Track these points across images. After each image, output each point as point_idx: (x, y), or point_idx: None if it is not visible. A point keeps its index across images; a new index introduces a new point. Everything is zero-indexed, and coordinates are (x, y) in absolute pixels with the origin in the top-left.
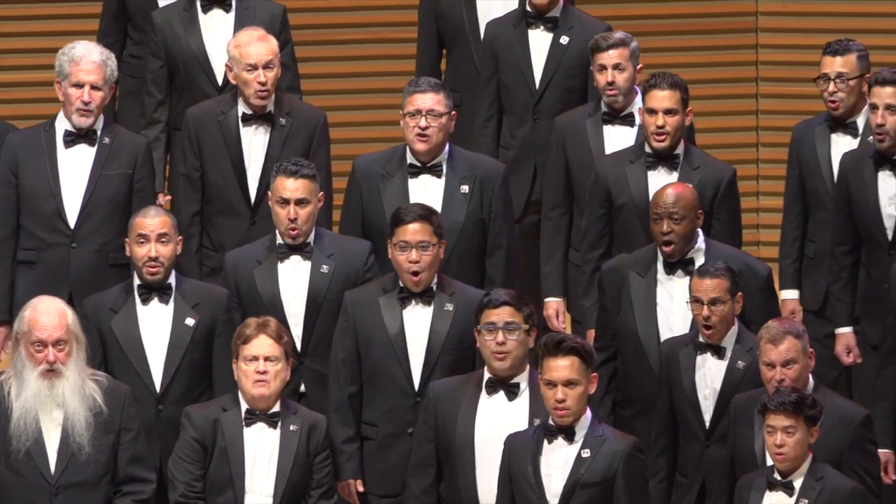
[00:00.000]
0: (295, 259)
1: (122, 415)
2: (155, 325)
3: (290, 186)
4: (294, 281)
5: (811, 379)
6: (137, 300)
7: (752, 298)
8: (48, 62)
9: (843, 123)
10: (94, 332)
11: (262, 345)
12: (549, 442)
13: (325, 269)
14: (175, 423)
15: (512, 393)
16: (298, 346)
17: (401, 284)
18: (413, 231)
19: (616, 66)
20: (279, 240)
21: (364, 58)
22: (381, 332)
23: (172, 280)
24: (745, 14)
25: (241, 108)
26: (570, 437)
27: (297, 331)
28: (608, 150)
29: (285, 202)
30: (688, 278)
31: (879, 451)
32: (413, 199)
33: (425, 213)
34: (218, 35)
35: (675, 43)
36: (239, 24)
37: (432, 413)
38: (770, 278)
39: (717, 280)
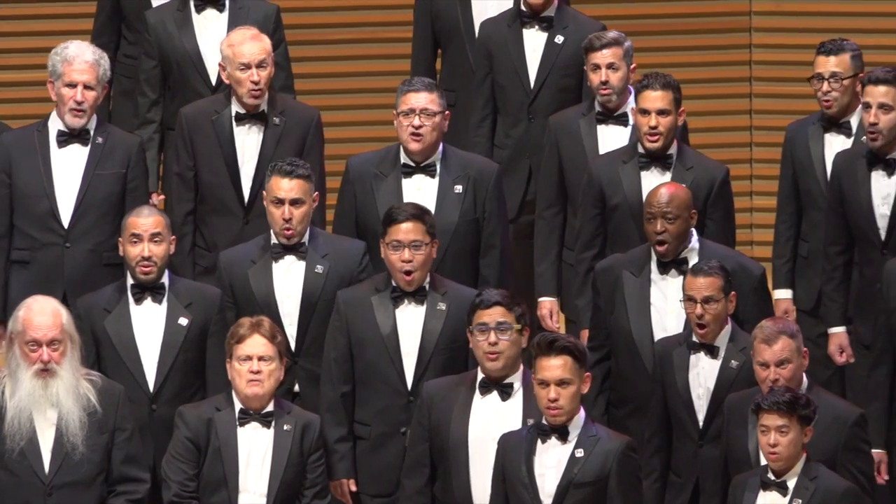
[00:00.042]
0: (289, 259)
1: (117, 415)
2: (148, 324)
3: (285, 186)
4: (288, 281)
5: (805, 378)
6: (131, 300)
7: (746, 298)
8: (42, 62)
9: (836, 123)
10: (88, 331)
11: (256, 344)
12: (543, 442)
13: (319, 269)
14: (168, 423)
15: (505, 393)
16: (293, 345)
17: (393, 284)
18: (406, 230)
19: (610, 66)
20: (273, 239)
21: (358, 57)
22: (373, 332)
23: (166, 280)
24: (738, 14)
25: (235, 108)
26: (563, 436)
27: (291, 331)
28: (602, 149)
29: (280, 202)
30: (681, 278)
31: (872, 451)
32: (407, 198)
33: (418, 213)
34: (211, 35)
35: (668, 42)
36: (232, 24)
37: (426, 413)
38: (763, 278)
39: (710, 278)
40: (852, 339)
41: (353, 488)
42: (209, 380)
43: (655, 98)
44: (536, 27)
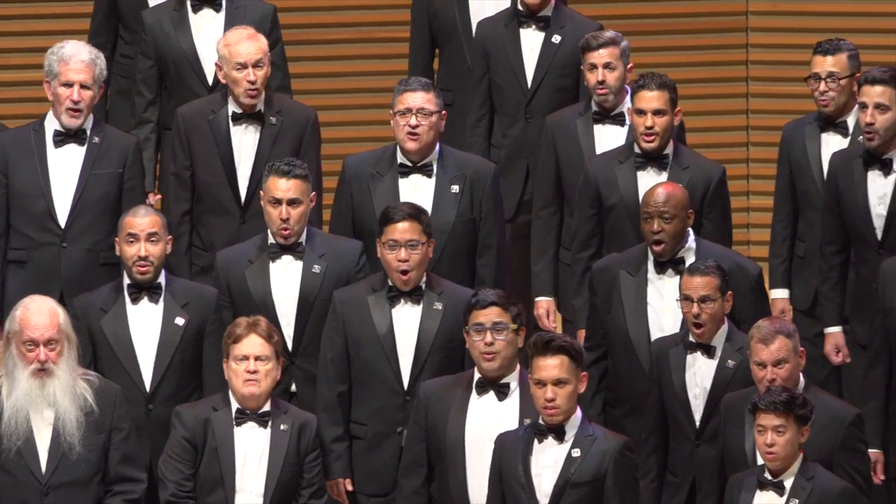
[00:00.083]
0: (286, 259)
1: (113, 414)
2: (145, 324)
3: (283, 186)
4: (285, 281)
5: (802, 378)
6: (127, 299)
7: (743, 298)
8: (39, 62)
9: (833, 123)
10: (84, 331)
11: (253, 344)
12: (540, 441)
13: (316, 269)
14: (165, 423)
15: (502, 393)
16: (290, 345)
17: (390, 283)
18: (402, 230)
19: (606, 65)
20: (271, 239)
21: (354, 57)
22: (370, 331)
23: (162, 279)
24: (735, 14)
25: (231, 108)
26: (560, 436)
27: (288, 331)
28: (599, 149)
29: (277, 202)
30: (678, 278)
31: (869, 450)
32: (403, 198)
33: (414, 212)
34: (208, 34)
35: (665, 42)
36: (229, 24)
37: (423, 413)
38: (760, 278)
39: (707, 278)
40: (848, 338)
41: (350, 488)
42: (206, 379)
43: (651, 98)
44: (533, 27)
